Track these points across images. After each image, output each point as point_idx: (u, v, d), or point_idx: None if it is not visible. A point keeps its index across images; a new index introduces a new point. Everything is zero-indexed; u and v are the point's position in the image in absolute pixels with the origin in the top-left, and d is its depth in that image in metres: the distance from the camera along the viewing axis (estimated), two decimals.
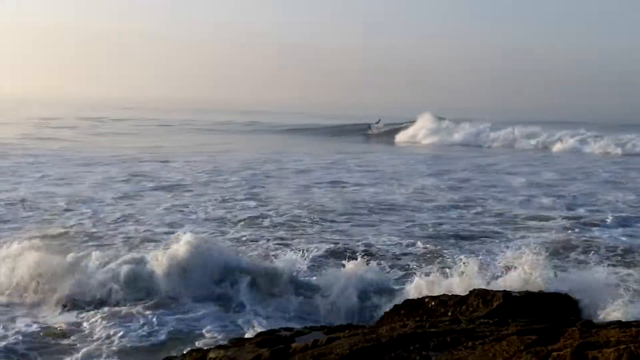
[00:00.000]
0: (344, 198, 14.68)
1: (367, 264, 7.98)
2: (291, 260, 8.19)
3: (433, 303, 5.56)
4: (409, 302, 5.78)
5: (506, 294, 5.39)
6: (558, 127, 39.99)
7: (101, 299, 7.27)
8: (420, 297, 5.96)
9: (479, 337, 3.93)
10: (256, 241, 10.21)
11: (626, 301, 5.78)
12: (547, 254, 7.49)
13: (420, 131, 41.19)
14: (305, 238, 10.49)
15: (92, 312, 6.92)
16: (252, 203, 13.75)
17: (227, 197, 14.34)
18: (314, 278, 7.96)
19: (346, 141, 37.43)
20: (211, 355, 4.34)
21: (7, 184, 15.83)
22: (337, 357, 3.85)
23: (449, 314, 5.32)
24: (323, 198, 14.62)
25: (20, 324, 6.57)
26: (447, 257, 9.08)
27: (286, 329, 4.99)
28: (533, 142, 36.51)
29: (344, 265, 8.02)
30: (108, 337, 6.28)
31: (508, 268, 7.18)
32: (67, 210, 12.50)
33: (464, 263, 7.18)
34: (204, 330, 6.49)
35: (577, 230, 11.34)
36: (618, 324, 4.26)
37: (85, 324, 6.62)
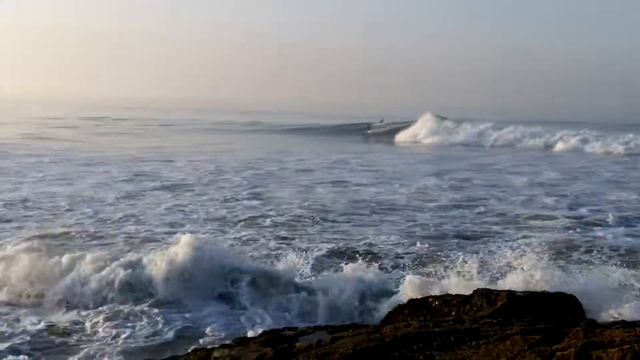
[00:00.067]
0: (345, 198, 14.67)
1: (369, 264, 7.97)
2: (292, 260, 8.18)
3: (437, 303, 5.56)
4: (412, 302, 5.78)
5: (510, 293, 5.39)
6: (558, 127, 39.97)
7: (104, 298, 7.26)
8: (424, 296, 5.95)
9: (482, 337, 3.92)
10: (258, 241, 10.20)
11: (630, 301, 5.77)
12: (549, 254, 7.50)
13: (421, 131, 41.20)
14: (306, 238, 10.48)
15: (95, 312, 6.90)
16: (254, 202, 13.75)
17: (228, 197, 14.33)
18: (316, 278, 7.95)
19: (347, 141, 37.42)
20: (215, 354, 4.34)
21: (9, 183, 15.83)
22: (341, 356, 3.85)
23: (453, 313, 5.32)
24: (324, 198, 14.62)
25: (24, 324, 6.57)
26: (449, 257, 9.05)
27: (290, 328, 5.00)
28: (534, 141, 36.51)
29: (345, 266, 8.02)
30: (112, 336, 6.28)
31: (510, 268, 7.18)
32: (68, 210, 12.50)
33: (465, 262, 7.17)
34: (207, 330, 6.48)
35: (579, 230, 11.33)
36: (622, 323, 4.25)
37: (89, 324, 6.60)
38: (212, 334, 6.37)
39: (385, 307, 6.71)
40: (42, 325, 6.55)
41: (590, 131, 36.39)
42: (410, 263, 8.94)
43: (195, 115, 70.72)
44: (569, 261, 9.00)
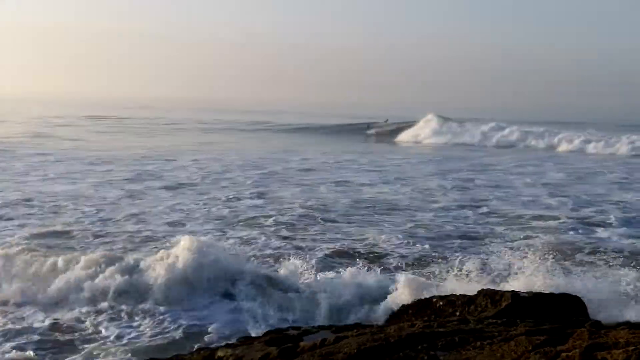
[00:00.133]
0: (348, 197, 14.67)
1: (371, 265, 7.97)
2: (294, 261, 8.18)
3: (441, 303, 5.55)
4: (417, 302, 5.77)
5: (515, 294, 5.37)
6: (558, 127, 40.00)
7: (106, 298, 7.26)
8: (428, 296, 5.94)
9: (487, 337, 3.91)
10: (260, 240, 10.19)
11: (635, 302, 5.76)
12: (553, 255, 7.48)
13: (423, 131, 41.21)
14: (308, 238, 10.48)
15: (99, 311, 6.92)
16: (256, 202, 13.75)
17: (231, 196, 14.34)
18: (317, 278, 7.93)
19: (348, 141, 37.41)
20: (219, 353, 4.34)
21: (12, 182, 15.86)
22: (345, 356, 3.84)
23: (457, 313, 5.31)
24: (327, 197, 14.62)
25: (28, 323, 6.58)
26: (451, 257, 9.04)
27: (294, 327, 5.00)
28: (537, 142, 36.49)
29: (347, 266, 8.01)
30: (117, 335, 6.30)
31: (512, 269, 7.17)
32: (70, 208, 12.51)
33: (466, 262, 7.16)
34: (210, 329, 6.49)
35: (582, 231, 11.31)
36: (627, 325, 4.25)
37: (94, 323, 6.61)
38: (216, 333, 6.37)
39: (385, 307, 6.70)
40: (47, 322, 6.57)
41: (594, 132, 36.38)
42: (411, 263, 8.93)
43: (196, 114, 70.77)
44: (572, 262, 8.98)
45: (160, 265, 7.63)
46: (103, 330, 6.43)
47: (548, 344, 3.59)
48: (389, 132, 43.36)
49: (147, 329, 6.47)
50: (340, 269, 8.10)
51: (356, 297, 7.19)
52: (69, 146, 27.30)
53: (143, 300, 7.21)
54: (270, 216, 12.09)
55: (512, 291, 5.54)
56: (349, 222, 11.88)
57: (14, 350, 5.81)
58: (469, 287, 6.33)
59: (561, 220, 12.23)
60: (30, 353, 5.74)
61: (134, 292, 7.33)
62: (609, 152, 32.42)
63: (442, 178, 18.87)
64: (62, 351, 5.94)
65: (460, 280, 6.96)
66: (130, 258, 8.02)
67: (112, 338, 6.24)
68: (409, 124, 44.08)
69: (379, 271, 7.94)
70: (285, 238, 10.40)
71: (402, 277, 7.17)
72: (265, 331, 5.44)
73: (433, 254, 9.37)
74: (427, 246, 9.90)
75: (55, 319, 6.69)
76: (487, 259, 8.55)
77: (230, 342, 5.04)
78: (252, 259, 8.82)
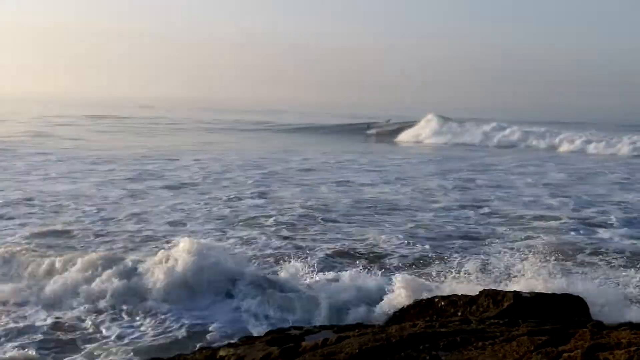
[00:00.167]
0: (348, 197, 14.66)
1: (371, 265, 7.95)
2: (294, 261, 8.17)
3: (443, 303, 5.55)
4: (418, 302, 5.78)
5: (517, 294, 5.37)
6: (558, 127, 39.96)
7: (107, 298, 7.26)
8: (430, 297, 5.94)
9: (489, 338, 3.92)
10: (260, 240, 10.19)
11: (637, 303, 5.75)
12: (554, 255, 7.48)
13: (423, 131, 41.17)
14: (309, 238, 10.47)
15: (101, 311, 6.92)
16: (256, 202, 13.75)
17: (231, 196, 14.34)
18: (317, 279, 7.93)
19: (348, 141, 37.39)
20: (221, 353, 4.34)
21: (13, 181, 15.87)
22: (346, 356, 3.84)
23: (459, 314, 5.32)
24: (327, 197, 14.61)
25: (30, 322, 6.58)
26: (452, 258, 9.04)
27: (296, 327, 5.00)
28: (538, 142, 36.46)
29: (347, 266, 8.00)
30: (119, 335, 6.30)
31: (513, 269, 7.16)
32: (71, 207, 12.51)
33: (467, 263, 7.15)
34: (211, 328, 6.49)
35: (583, 231, 11.30)
36: (629, 325, 4.25)
37: (95, 322, 6.62)
38: (217, 333, 6.38)
39: (381, 308, 6.69)
40: (48, 321, 6.57)
41: (595, 132, 36.34)
42: (412, 264, 8.92)
43: (196, 114, 70.71)
44: (573, 263, 8.98)
45: (160, 268, 7.58)
46: (104, 330, 6.44)
47: (550, 344, 3.59)
48: (389, 132, 43.31)
49: (149, 329, 6.48)
50: (342, 270, 8.09)
51: (357, 297, 7.18)
52: (69, 145, 27.30)
53: (144, 299, 7.22)
54: (271, 216, 12.09)
55: (514, 291, 5.54)
56: (349, 222, 11.88)
57: (16, 349, 5.82)
58: (470, 288, 6.33)
59: (562, 221, 12.22)
60: (32, 352, 5.75)
61: (132, 295, 7.31)
62: (610, 152, 32.36)
63: (443, 178, 18.86)
64: (64, 350, 5.94)
65: (461, 282, 6.94)
66: (129, 260, 7.99)
67: (113, 337, 6.25)
68: (409, 124, 44.04)
69: (379, 272, 7.92)
70: (285, 238, 10.39)
71: (399, 278, 7.16)
72: (266, 331, 5.44)
73: (434, 255, 9.36)
74: (427, 246, 9.89)
75: (57, 318, 6.70)
76: (488, 260, 8.54)
77: (232, 342, 5.04)
78: (253, 259, 8.82)
